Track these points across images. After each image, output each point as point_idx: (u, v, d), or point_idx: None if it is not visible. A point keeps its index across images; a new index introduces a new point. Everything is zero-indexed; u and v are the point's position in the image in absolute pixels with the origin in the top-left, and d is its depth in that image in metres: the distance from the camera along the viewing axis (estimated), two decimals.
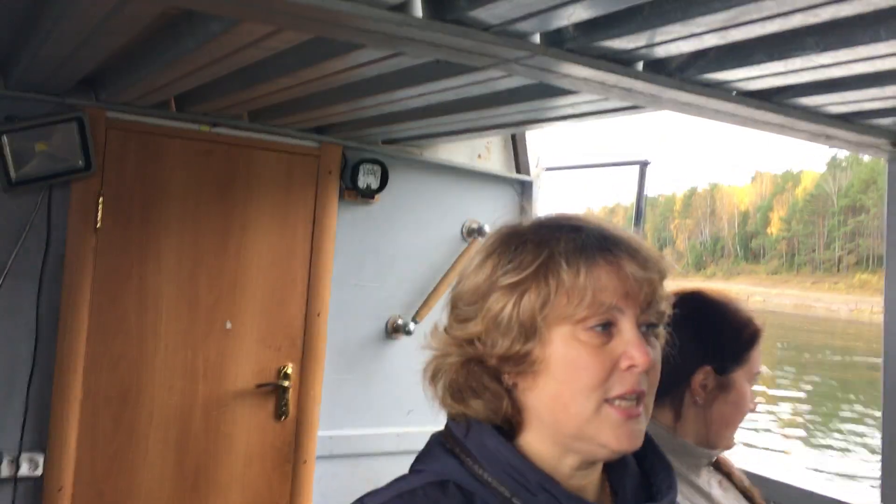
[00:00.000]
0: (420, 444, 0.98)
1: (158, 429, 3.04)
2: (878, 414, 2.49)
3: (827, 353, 28.27)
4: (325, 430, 3.33)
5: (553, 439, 0.92)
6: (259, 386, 3.20)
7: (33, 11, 2.18)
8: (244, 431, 3.19)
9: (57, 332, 2.87)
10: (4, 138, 2.72)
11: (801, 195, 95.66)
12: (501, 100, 2.44)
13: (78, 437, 2.90)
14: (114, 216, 2.96)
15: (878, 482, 2.46)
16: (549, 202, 3.86)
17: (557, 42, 1.70)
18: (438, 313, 1.01)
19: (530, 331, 0.90)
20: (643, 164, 3.65)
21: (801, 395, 18.81)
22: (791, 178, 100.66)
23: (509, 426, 0.94)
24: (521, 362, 0.91)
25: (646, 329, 0.92)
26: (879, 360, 2.48)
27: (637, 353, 0.89)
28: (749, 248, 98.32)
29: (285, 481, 3.25)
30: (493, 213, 3.63)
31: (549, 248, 0.91)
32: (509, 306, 0.90)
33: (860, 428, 14.91)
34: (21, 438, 2.82)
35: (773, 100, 1.98)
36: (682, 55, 1.77)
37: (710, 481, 1.44)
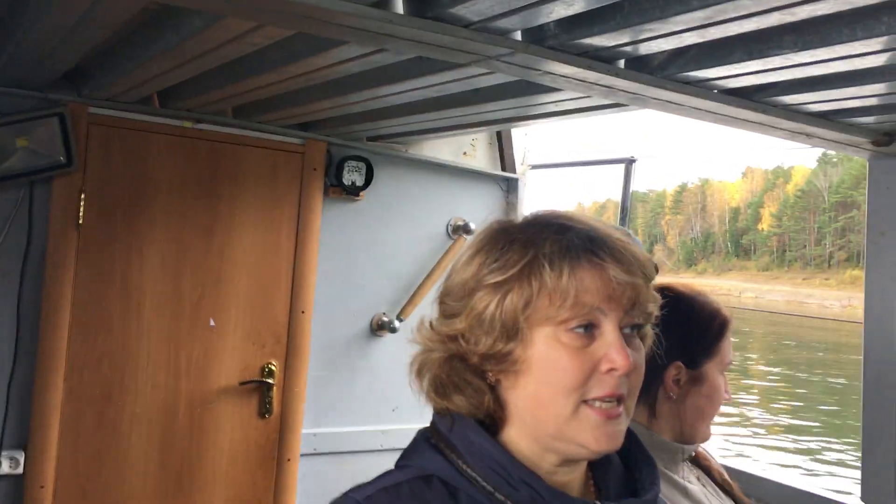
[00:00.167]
0: (405, 442, 0.99)
1: (142, 426, 3.03)
2: None
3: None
4: (310, 428, 3.33)
5: (534, 437, 0.93)
6: (243, 383, 3.19)
7: (14, 5, 2.16)
8: (228, 429, 3.17)
9: (38, 329, 2.85)
10: None
11: (791, 191, 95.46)
12: (485, 97, 2.44)
13: (60, 435, 2.88)
14: (96, 213, 2.94)
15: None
16: (535, 199, 3.87)
17: (539, 39, 1.69)
18: (423, 311, 1.01)
19: (512, 331, 0.91)
20: (629, 162, 3.67)
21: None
22: (782, 174, 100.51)
23: (492, 421, 0.95)
24: (503, 361, 0.92)
25: (630, 330, 0.93)
26: None
27: (618, 356, 0.89)
28: (740, 244, 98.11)
29: (269, 479, 3.25)
30: (479, 210, 3.63)
31: (535, 248, 0.91)
32: (493, 305, 0.91)
33: None
34: (2, 436, 2.80)
35: (754, 98, 1.99)
36: (662, 53, 1.78)
37: (689, 476, 1.45)
